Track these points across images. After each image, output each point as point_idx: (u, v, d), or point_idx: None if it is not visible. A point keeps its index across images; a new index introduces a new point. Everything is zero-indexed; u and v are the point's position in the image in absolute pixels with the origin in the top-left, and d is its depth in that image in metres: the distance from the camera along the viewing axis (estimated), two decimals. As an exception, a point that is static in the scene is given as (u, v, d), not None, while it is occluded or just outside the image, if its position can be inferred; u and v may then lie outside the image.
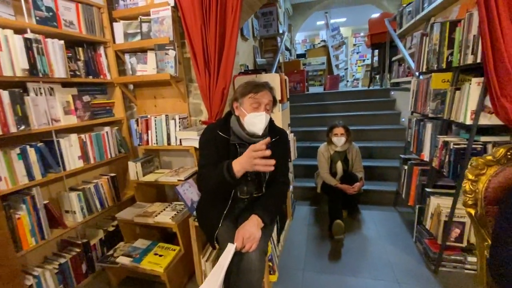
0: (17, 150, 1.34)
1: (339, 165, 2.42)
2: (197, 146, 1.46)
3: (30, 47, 1.35)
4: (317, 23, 8.59)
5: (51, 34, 1.50)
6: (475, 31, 1.37)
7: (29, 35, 1.36)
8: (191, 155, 1.85)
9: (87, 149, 1.71)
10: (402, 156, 2.32)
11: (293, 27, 6.79)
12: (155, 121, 1.83)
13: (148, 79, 1.80)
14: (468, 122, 1.41)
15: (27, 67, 1.34)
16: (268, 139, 1.03)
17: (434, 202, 1.68)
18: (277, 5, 4.76)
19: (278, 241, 1.75)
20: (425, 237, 1.79)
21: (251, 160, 1.02)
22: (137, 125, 1.88)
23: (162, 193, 2.14)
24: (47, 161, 1.50)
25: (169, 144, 1.84)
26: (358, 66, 9.97)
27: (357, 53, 10.15)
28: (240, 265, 1.09)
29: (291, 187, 2.45)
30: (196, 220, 1.44)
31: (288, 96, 2.31)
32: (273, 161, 1.00)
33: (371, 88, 5.06)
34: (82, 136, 1.68)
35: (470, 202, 1.02)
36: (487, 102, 1.33)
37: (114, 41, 1.88)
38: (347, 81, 8.95)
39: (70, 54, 1.65)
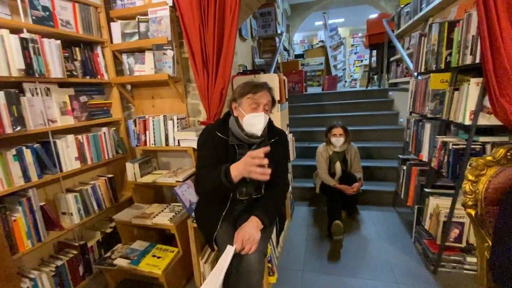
0: (13, 151, 1.32)
1: (338, 166, 2.42)
2: (196, 146, 1.45)
3: (26, 47, 1.33)
4: (315, 23, 8.61)
5: (47, 34, 1.49)
6: (474, 32, 1.37)
7: (25, 34, 1.35)
8: (190, 156, 1.84)
9: (84, 150, 1.70)
10: (400, 156, 2.32)
11: (291, 27, 6.80)
12: (153, 121, 1.82)
13: (146, 79, 1.78)
14: (467, 122, 1.41)
15: (23, 67, 1.32)
16: (267, 148, 1.03)
17: (433, 202, 1.68)
18: (276, 5, 4.76)
19: (278, 242, 1.74)
20: (424, 238, 1.79)
21: (247, 167, 1.01)
22: (135, 126, 1.87)
23: (160, 194, 2.12)
24: (43, 162, 1.48)
25: (167, 144, 1.82)
26: (356, 66, 10.01)
27: (355, 53, 10.19)
28: (240, 267, 1.08)
29: (289, 187, 2.45)
30: (194, 221, 1.43)
31: (287, 97, 2.30)
32: (269, 171, 1.00)
33: (369, 88, 5.07)
34: (79, 137, 1.66)
35: (470, 203, 1.02)
36: (486, 103, 1.33)
37: (111, 41, 1.86)
38: (345, 81, 8.98)
39: (67, 54, 1.64)
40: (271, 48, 4.95)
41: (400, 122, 3.39)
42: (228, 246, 1.07)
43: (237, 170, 1.05)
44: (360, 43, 9.73)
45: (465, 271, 1.63)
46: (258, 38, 4.81)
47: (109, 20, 1.84)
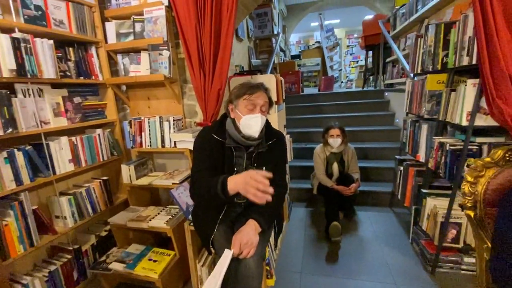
0: (4, 154, 1.28)
1: (335, 167, 2.42)
2: (192, 148, 1.43)
3: (18, 46, 1.30)
4: (311, 24, 8.63)
5: (40, 34, 1.45)
6: (470, 33, 1.38)
7: (17, 34, 1.31)
8: (186, 158, 1.82)
9: (78, 152, 1.66)
10: (397, 157, 2.33)
11: (288, 28, 6.80)
12: (148, 122, 1.79)
13: (142, 80, 1.76)
14: (464, 123, 1.41)
15: (14, 67, 1.29)
16: (270, 174, 0.98)
17: (431, 203, 1.68)
18: (272, 6, 4.76)
19: (276, 245, 1.73)
20: (422, 238, 1.80)
21: (247, 187, 0.96)
22: (130, 127, 1.84)
23: (156, 197, 2.10)
24: (36, 165, 1.44)
25: (163, 146, 1.80)
26: (352, 67, 10.05)
27: (351, 54, 10.24)
28: (238, 272, 1.07)
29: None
30: (191, 224, 1.41)
31: (284, 97, 2.29)
32: (269, 197, 0.95)
33: (365, 89, 5.09)
34: (73, 138, 1.63)
35: (469, 204, 1.02)
36: (483, 104, 1.34)
37: (106, 41, 1.83)
38: (341, 82, 9.02)
39: (60, 54, 1.60)
40: (268, 49, 4.94)
41: (396, 123, 3.41)
42: (226, 250, 1.06)
43: (234, 184, 1.01)
44: (356, 44, 9.78)
45: (462, 272, 1.63)
46: (254, 38, 4.81)
47: (104, 19, 1.81)
